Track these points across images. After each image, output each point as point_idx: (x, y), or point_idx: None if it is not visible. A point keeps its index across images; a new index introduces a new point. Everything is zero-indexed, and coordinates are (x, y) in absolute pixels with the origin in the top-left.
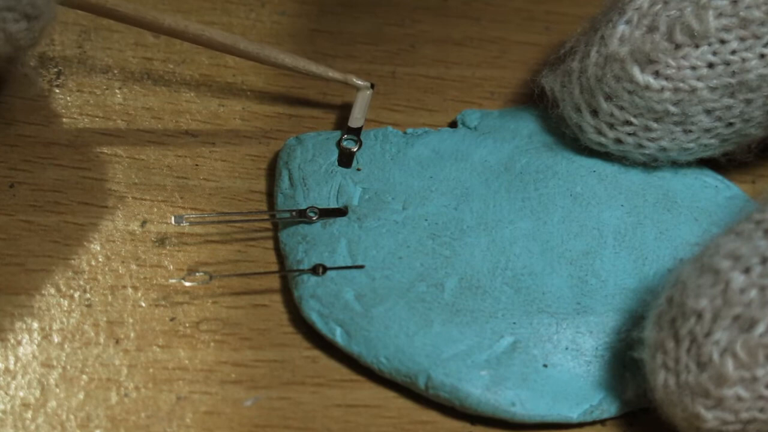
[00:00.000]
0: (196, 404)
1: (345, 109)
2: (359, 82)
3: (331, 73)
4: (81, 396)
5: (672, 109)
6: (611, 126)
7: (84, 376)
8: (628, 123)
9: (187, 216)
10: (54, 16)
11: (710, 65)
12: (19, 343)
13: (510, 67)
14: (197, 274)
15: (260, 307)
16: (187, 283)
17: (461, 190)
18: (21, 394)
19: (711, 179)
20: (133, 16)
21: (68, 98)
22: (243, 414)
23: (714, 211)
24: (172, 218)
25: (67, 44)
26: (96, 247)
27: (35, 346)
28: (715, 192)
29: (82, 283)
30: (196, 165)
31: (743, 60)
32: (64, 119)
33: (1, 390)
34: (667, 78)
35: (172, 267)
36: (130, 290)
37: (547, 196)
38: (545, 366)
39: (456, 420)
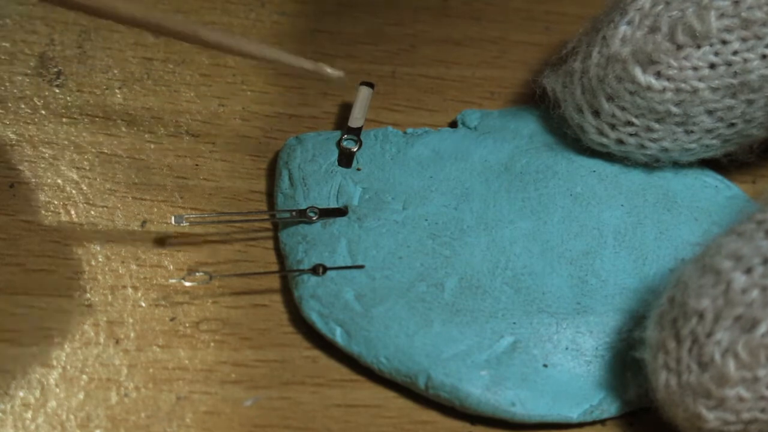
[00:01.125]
0: (196, 404)
1: (345, 109)
2: (330, 71)
3: (303, 63)
4: (81, 396)
5: (674, 109)
6: (613, 126)
7: (84, 376)
8: (630, 123)
9: (187, 216)
10: None
11: (712, 66)
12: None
13: (510, 67)
14: (197, 274)
15: (260, 307)
16: (187, 283)
17: (461, 190)
18: (21, 394)
19: (711, 179)
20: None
21: (68, 98)
22: (243, 414)
23: (714, 211)
24: (172, 218)
25: (67, 44)
26: (96, 247)
27: (35, 347)
28: (715, 192)
29: (82, 283)
30: (196, 165)
31: (745, 60)
32: (64, 119)
33: (1, 390)
34: (668, 78)
35: (172, 267)
36: (130, 290)
37: (547, 196)
38: (545, 366)
39: (456, 420)
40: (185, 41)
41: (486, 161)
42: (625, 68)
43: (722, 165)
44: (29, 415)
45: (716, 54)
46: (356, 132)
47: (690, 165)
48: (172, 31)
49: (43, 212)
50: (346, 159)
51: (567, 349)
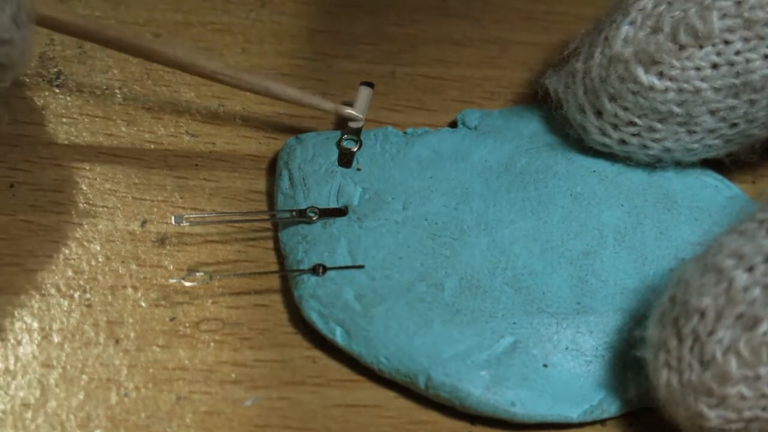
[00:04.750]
0: (196, 404)
1: None
2: (348, 111)
3: (323, 104)
4: (81, 396)
5: (676, 109)
6: (615, 127)
7: (84, 376)
8: (633, 124)
9: (187, 216)
10: (26, 65)
11: (714, 66)
12: (19, 343)
13: (510, 67)
14: (197, 274)
15: (260, 307)
16: (187, 283)
17: (461, 190)
18: (21, 394)
19: (711, 179)
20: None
21: (68, 98)
22: (243, 414)
23: (714, 211)
24: (172, 218)
25: (67, 44)
26: (96, 247)
27: (35, 346)
28: (715, 192)
29: (82, 283)
30: (196, 165)
31: (747, 61)
32: (64, 119)
33: (1, 390)
34: (671, 79)
35: (172, 267)
36: (130, 290)
37: (548, 196)
38: (545, 366)
39: (456, 420)
40: (199, 76)
41: (486, 161)
42: (627, 68)
43: (724, 165)
44: (29, 415)
45: (718, 54)
46: (356, 132)
47: (691, 165)
48: (196, 67)
49: (43, 212)
50: (346, 159)
51: (567, 349)
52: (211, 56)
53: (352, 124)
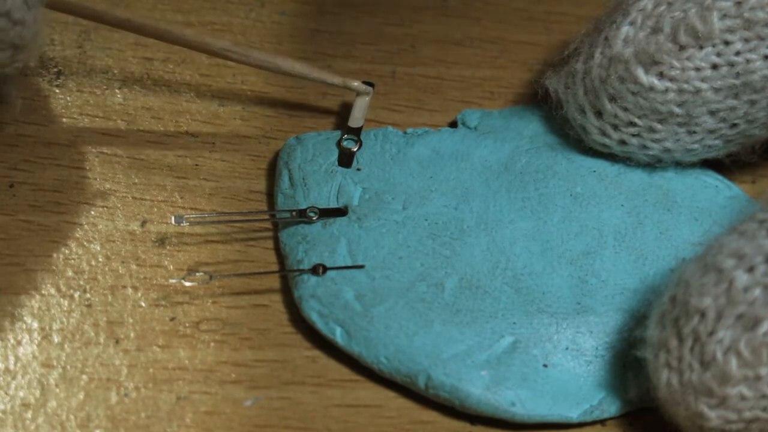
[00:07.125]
0: (196, 404)
1: (345, 109)
2: (357, 85)
3: (331, 79)
4: (81, 396)
5: (676, 110)
6: (615, 127)
7: (84, 376)
8: (633, 124)
9: (187, 216)
10: (40, 47)
11: (714, 66)
12: (19, 343)
13: (510, 67)
14: (197, 274)
15: (260, 307)
16: (187, 283)
17: (461, 190)
18: (21, 394)
19: (711, 179)
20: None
21: (68, 98)
22: (243, 414)
23: (714, 211)
24: (172, 218)
25: (67, 44)
26: (96, 247)
27: (35, 346)
28: (716, 192)
29: (82, 283)
30: (196, 165)
31: (747, 61)
32: (64, 119)
33: (1, 390)
34: (671, 79)
35: (172, 267)
36: (130, 290)
37: (548, 196)
38: (545, 366)
39: (456, 420)
40: (206, 53)
41: (486, 161)
42: (627, 69)
43: (724, 165)
44: (29, 415)
45: (718, 55)
46: (356, 132)
47: (691, 165)
48: (205, 46)
49: (43, 212)
50: (346, 159)
51: (567, 349)
52: (219, 35)
53: (352, 124)
